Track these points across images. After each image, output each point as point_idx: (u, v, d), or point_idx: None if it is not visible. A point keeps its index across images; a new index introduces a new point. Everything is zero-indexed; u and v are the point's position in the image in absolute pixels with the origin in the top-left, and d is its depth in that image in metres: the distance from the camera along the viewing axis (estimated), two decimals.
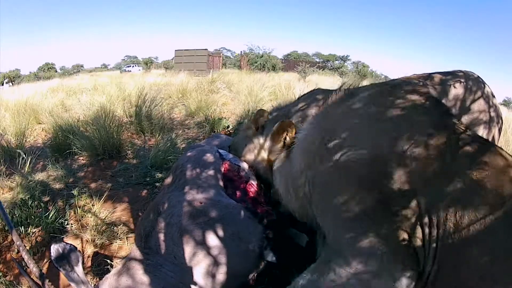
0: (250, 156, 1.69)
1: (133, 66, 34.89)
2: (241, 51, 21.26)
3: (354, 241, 0.86)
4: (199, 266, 1.21)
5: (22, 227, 1.86)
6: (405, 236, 0.83)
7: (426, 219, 0.82)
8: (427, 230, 0.82)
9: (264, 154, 1.61)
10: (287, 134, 1.36)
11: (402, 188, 0.85)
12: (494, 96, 1.82)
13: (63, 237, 1.88)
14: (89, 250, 1.79)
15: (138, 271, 1.22)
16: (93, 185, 2.52)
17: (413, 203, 0.84)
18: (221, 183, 1.54)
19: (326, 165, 0.99)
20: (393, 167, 0.87)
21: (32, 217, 1.94)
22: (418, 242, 0.83)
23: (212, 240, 1.24)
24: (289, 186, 1.25)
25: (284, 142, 1.37)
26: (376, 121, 0.97)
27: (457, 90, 1.70)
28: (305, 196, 1.11)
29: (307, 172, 1.09)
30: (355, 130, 0.99)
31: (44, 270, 1.68)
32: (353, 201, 0.89)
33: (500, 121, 1.83)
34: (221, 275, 1.21)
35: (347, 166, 0.93)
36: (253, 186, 1.61)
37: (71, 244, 1.17)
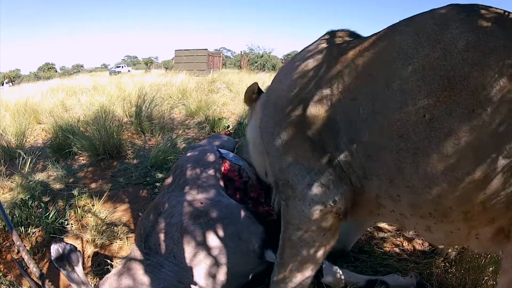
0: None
1: (122, 66, 33.35)
2: (241, 51, 21.29)
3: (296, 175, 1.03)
4: (199, 266, 1.21)
5: (22, 227, 1.86)
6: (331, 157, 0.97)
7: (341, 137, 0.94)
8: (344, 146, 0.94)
9: None
10: (254, 95, 1.38)
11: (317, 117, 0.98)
12: None
13: (63, 237, 1.87)
14: (89, 250, 1.78)
15: (139, 271, 1.22)
16: (93, 185, 2.52)
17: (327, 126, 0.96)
18: (221, 183, 1.53)
19: (266, 114, 1.14)
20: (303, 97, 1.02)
21: (32, 217, 1.93)
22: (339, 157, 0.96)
23: (213, 240, 1.24)
24: (253, 146, 1.36)
25: (252, 100, 1.40)
26: (291, 70, 1.13)
27: None
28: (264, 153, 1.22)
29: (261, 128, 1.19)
30: (280, 80, 1.16)
31: (44, 270, 1.68)
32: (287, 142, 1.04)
33: None
34: (221, 275, 1.21)
35: (275, 107, 1.10)
36: (253, 186, 1.61)
37: (71, 244, 1.17)
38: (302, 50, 1.18)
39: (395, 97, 0.82)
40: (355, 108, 0.89)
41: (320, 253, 1.05)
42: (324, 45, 1.10)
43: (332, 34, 1.16)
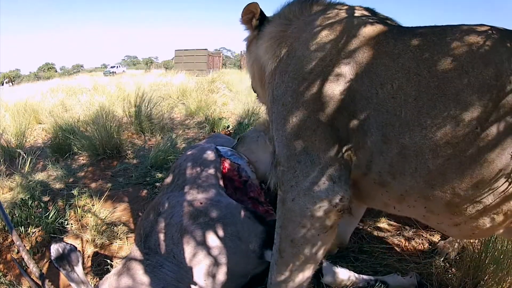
0: None
1: (117, 66, 32.19)
2: (241, 51, 21.26)
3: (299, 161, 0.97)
4: (199, 266, 1.21)
5: (22, 227, 1.86)
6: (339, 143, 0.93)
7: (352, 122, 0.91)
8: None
9: None
10: (253, 17, 1.26)
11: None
12: None
13: (63, 237, 1.87)
14: (89, 250, 1.78)
15: (138, 271, 1.21)
16: (93, 185, 2.52)
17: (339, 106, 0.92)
18: (221, 183, 1.53)
19: (282, 79, 1.03)
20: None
21: (32, 217, 1.93)
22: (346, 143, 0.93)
23: (212, 240, 1.24)
24: (255, 72, 1.29)
25: (252, 25, 1.28)
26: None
27: None
28: (268, 97, 1.14)
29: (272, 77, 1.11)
30: (306, 45, 1.02)
31: (44, 270, 1.68)
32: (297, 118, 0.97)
33: None
34: (221, 275, 1.21)
35: (292, 80, 0.99)
36: (253, 186, 1.61)
37: (71, 244, 1.17)
38: (336, 19, 1.03)
39: (448, 105, 0.81)
40: (394, 107, 0.86)
41: (322, 251, 1.03)
42: (363, 21, 1.00)
43: (370, 11, 1.06)
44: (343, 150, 0.93)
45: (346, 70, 0.92)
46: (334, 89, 0.92)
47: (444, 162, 0.83)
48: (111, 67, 32.75)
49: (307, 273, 1.06)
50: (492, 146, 0.79)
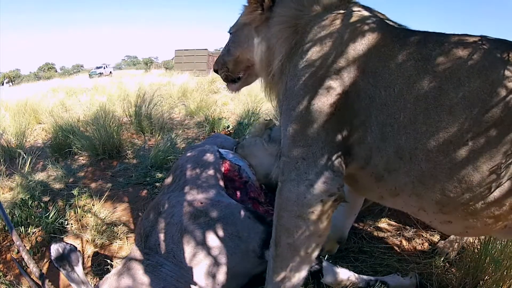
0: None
1: (104, 67, 28.63)
2: None
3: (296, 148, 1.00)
4: (199, 266, 1.21)
5: (22, 227, 1.86)
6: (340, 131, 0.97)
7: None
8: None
9: None
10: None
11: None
12: None
13: (63, 237, 1.87)
14: (89, 250, 1.78)
15: (138, 271, 1.21)
16: (93, 185, 2.51)
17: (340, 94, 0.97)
18: (221, 183, 1.53)
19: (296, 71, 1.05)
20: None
21: (32, 217, 1.93)
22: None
23: (212, 240, 1.24)
24: (262, 52, 1.24)
25: (262, 5, 1.21)
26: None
27: None
28: (281, 87, 1.15)
29: (283, 66, 1.12)
30: (323, 42, 1.04)
31: (44, 270, 1.68)
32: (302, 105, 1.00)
33: None
34: (221, 275, 1.21)
35: (304, 73, 1.02)
36: (253, 186, 1.61)
37: (71, 244, 1.17)
38: (357, 17, 1.05)
39: (442, 116, 0.86)
40: (394, 110, 0.91)
41: (317, 243, 1.02)
42: (377, 24, 1.03)
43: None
44: (345, 144, 0.98)
45: (354, 69, 0.97)
46: (342, 86, 0.97)
47: (436, 166, 0.88)
48: (97, 67, 29.06)
49: (302, 269, 1.06)
50: (481, 157, 0.84)
